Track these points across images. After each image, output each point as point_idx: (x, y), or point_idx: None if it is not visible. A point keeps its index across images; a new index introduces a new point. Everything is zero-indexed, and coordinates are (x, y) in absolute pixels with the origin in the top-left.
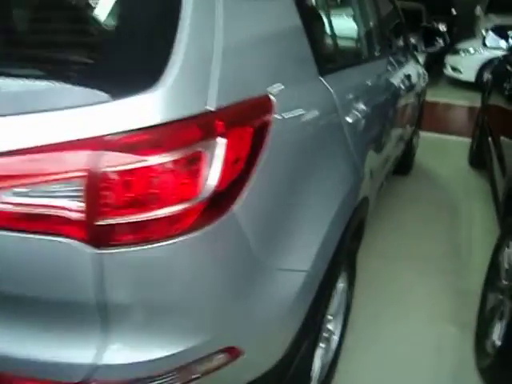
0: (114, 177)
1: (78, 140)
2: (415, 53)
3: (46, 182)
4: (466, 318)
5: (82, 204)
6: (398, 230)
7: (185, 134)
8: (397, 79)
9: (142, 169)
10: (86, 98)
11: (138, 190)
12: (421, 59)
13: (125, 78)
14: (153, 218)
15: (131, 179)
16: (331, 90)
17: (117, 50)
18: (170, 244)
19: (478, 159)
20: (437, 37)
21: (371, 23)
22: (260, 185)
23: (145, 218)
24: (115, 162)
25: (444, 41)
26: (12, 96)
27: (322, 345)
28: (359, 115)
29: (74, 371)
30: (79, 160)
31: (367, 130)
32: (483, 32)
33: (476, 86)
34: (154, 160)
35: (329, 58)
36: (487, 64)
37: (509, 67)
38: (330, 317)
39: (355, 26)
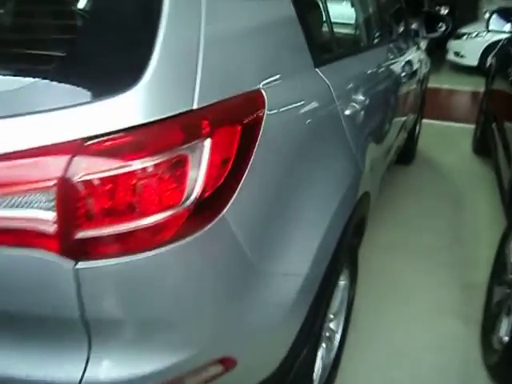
0: (90, 185)
1: (50, 145)
2: (417, 39)
3: (17, 192)
4: (472, 313)
5: (56, 215)
6: (399, 221)
7: (167, 135)
8: (398, 67)
9: (120, 175)
10: (60, 99)
11: (116, 198)
12: (422, 45)
13: (101, 77)
14: (134, 228)
15: (109, 187)
16: (328, 82)
17: (92, 46)
18: (154, 255)
19: (482, 146)
20: (439, 22)
21: (370, 9)
22: (252, 186)
23: (125, 229)
24: (90, 169)
25: (446, 26)
26: None
27: (323, 345)
28: (358, 107)
29: None
30: (51, 167)
31: (367, 123)
32: (486, 15)
33: (479, 70)
34: (133, 165)
35: (325, 48)
36: (491, 48)
37: None
38: (331, 316)
39: (353, 13)
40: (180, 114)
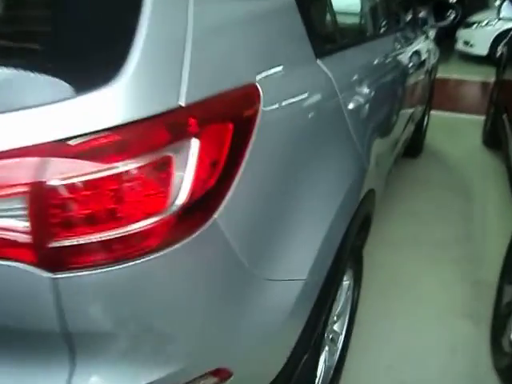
0: (65, 190)
1: (21, 147)
2: (425, 27)
3: None
4: (482, 312)
5: (30, 223)
6: (407, 215)
7: (150, 135)
8: (405, 57)
9: (99, 180)
10: (31, 97)
11: (95, 204)
12: (431, 34)
13: (77, 73)
14: (115, 236)
15: (87, 192)
16: (330, 74)
17: (67, 38)
18: (139, 264)
19: (493, 138)
20: (448, 10)
21: None
22: (247, 188)
23: (106, 238)
24: (66, 173)
25: (455, 14)
26: None
27: (326, 347)
28: (362, 100)
29: None
30: (23, 171)
31: (372, 116)
32: (497, 2)
33: (489, 60)
34: (113, 169)
35: (326, 38)
36: (501, 36)
37: None
38: (334, 317)
39: (357, 0)
40: (165, 112)
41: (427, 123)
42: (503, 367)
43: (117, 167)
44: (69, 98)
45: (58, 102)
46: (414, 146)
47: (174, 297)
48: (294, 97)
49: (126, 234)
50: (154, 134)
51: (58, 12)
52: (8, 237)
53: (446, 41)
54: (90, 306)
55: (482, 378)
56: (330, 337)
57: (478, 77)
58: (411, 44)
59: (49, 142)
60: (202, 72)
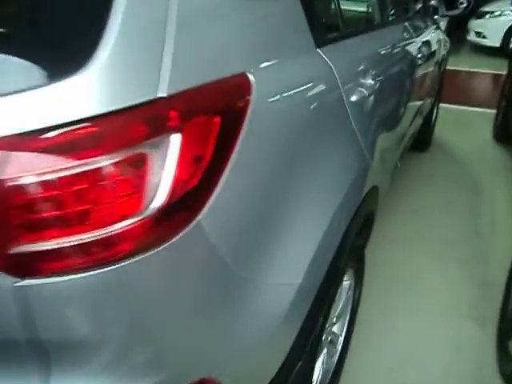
0: (29, 189)
1: None
2: (435, 17)
3: None
4: (488, 314)
5: None
6: (412, 212)
7: (126, 130)
8: (413, 48)
9: (66, 178)
10: None
11: (63, 205)
12: (442, 24)
13: (43, 59)
14: (85, 240)
15: (53, 192)
16: (331, 64)
17: (32, 19)
18: (114, 270)
19: (504, 133)
20: None
21: None
22: (236, 186)
23: (75, 242)
24: (29, 170)
25: (467, 3)
26: None
27: (325, 349)
28: (366, 93)
29: None
30: None
31: (377, 110)
32: None
33: (502, 51)
34: (83, 165)
35: (328, 26)
36: None
37: None
38: (334, 319)
39: None
40: (142, 104)
41: (436, 116)
42: (509, 372)
43: (86, 165)
44: (33, 88)
45: (21, 91)
46: (422, 140)
47: (155, 304)
48: (291, 88)
49: (98, 237)
50: (129, 128)
51: None
52: None
53: (457, 31)
54: (62, 315)
55: (486, 382)
56: (329, 339)
57: (489, 69)
58: (420, 34)
59: (12, 135)
60: (187, 59)
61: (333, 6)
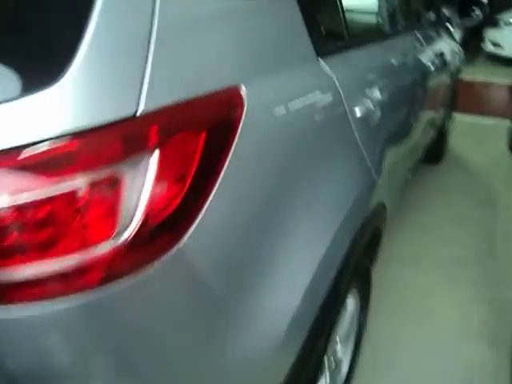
0: None
1: None
2: (449, 27)
3: None
4: (502, 337)
5: None
6: (423, 228)
7: (101, 148)
8: (424, 58)
9: (29, 203)
10: None
11: (30, 230)
12: (456, 34)
13: (11, 71)
14: (47, 272)
15: (16, 216)
16: (333, 76)
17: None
18: (84, 298)
19: None
20: (474, 7)
21: None
22: (226, 205)
23: (36, 272)
24: None
25: (483, 12)
26: None
27: (326, 373)
28: (372, 106)
29: None
30: None
31: (384, 123)
32: None
33: None
34: (49, 188)
35: (331, 35)
36: None
37: None
38: (337, 344)
39: None
40: (119, 121)
41: (450, 128)
42: None
43: (56, 185)
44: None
45: None
46: (435, 152)
47: (132, 337)
48: (289, 101)
49: (62, 267)
50: (103, 146)
51: None
52: None
53: (472, 40)
54: (30, 350)
55: None
56: (333, 364)
57: (505, 79)
58: (432, 44)
59: None
60: (170, 73)
61: (337, 14)
